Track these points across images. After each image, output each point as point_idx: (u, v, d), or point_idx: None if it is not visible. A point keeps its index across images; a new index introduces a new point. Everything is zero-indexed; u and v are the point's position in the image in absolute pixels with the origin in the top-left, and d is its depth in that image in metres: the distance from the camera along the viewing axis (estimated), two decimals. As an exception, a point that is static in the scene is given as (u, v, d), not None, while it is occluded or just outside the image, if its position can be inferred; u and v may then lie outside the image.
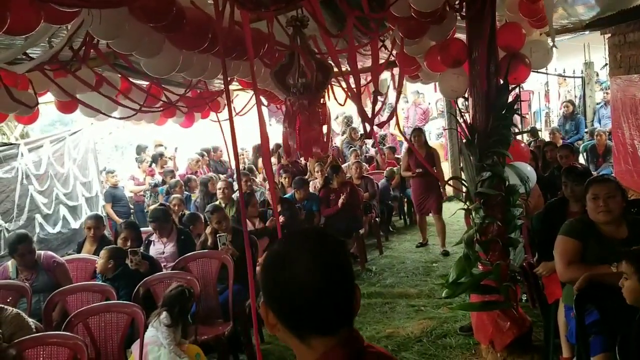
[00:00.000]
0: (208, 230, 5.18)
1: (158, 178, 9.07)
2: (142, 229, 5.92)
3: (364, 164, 9.49)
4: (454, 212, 5.20)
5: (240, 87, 7.48)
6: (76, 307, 4.07)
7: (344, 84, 5.67)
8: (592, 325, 3.07)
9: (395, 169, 9.54)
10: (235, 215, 6.28)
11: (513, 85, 4.26)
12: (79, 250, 5.71)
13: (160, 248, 5.36)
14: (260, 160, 10.29)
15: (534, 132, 10.21)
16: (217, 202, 6.48)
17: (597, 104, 11.47)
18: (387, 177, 9.18)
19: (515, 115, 4.30)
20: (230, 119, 2.72)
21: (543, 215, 4.18)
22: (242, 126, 7.82)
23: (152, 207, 7.36)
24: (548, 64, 4.90)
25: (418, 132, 7.65)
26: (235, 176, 8.24)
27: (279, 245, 1.24)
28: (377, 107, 4.33)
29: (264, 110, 8.89)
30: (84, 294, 4.28)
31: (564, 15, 5.54)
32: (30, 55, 4.02)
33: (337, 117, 12.51)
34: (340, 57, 4.93)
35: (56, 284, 4.56)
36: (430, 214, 7.64)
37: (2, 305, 3.55)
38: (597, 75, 12.35)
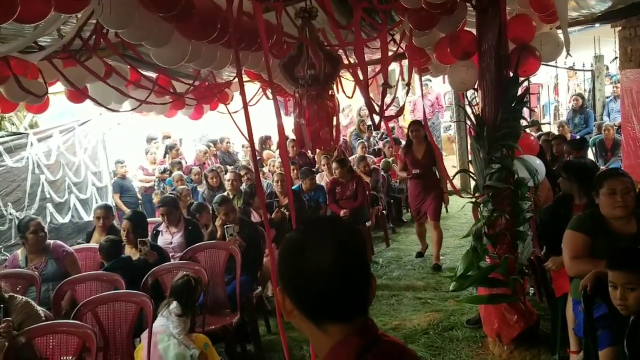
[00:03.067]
0: (217, 222, 5.18)
1: (166, 165, 9.10)
2: (150, 219, 5.94)
3: (370, 156, 9.47)
4: (462, 205, 5.19)
5: (247, 78, 7.47)
6: (85, 296, 4.10)
7: (349, 78, 5.68)
8: (600, 319, 3.06)
9: (391, 159, 9.51)
10: (242, 206, 6.29)
11: (523, 78, 4.23)
12: (88, 240, 5.75)
13: (168, 238, 5.39)
14: (265, 153, 10.31)
15: (534, 124, 10.13)
16: (224, 194, 6.49)
17: (607, 97, 11.41)
18: (384, 169, 9.11)
19: (524, 108, 4.29)
20: (245, 108, 2.73)
21: (552, 209, 4.17)
22: (240, 119, 7.83)
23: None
24: (558, 57, 4.85)
25: (416, 125, 6.63)
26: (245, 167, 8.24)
27: (297, 232, 1.25)
28: (389, 99, 4.32)
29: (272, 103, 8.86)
30: (93, 283, 4.31)
31: (574, 7, 5.48)
32: (39, 44, 4.04)
33: (343, 110, 12.49)
34: (348, 50, 4.92)
35: (65, 273, 4.59)
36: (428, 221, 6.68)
37: (12, 294, 3.58)
38: (607, 68, 12.26)
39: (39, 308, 3.62)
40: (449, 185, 6.49)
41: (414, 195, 6.72)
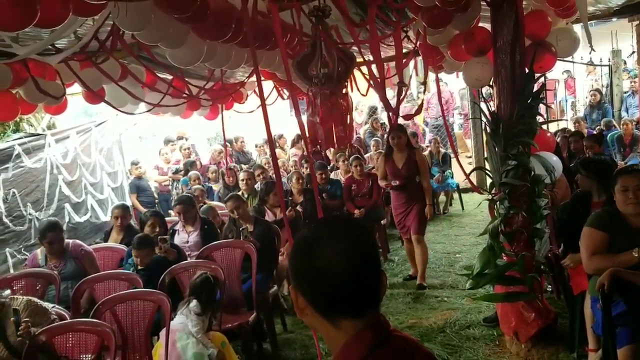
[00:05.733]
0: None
1: (179, 166, 9.18)
2: (167, 218, 5.99)
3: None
4: (478, 202, 5.16)
5: (261, 77, 7.50)
6: (103, 294, 4.13)
7: (366, 74, 5.68)
8: (619, 316, 3.04)
9: None
10: (256, 206, 6.31)
11: (539, 74, 4.20)
12: (106, 239, 5.81)
13: (184, 237, 5.42)
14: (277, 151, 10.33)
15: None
16: (238, 192, 6.53)
17: (625, 92, 11.27)
18: None
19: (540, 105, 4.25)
20: (263, 107, 2.75)
21: (569, 206, 4.14)
22: (253, 118, 7.89)
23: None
24: (575, 53, 4.80)
25: (397, 131, 5.86)
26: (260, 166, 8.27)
27: (309, 230, 1.27)
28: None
29: (285, 101, 8.90)
30: (111, 281, 4.34)
31: (591, 2, 5.43)
32: (56, 46, 4.09)
33: (356, 108, 12.47)
34: (363, 47, 4.92)
35: (84, 271, 4.65)
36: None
37: (13, 296, 3.59)
38: (625, 63, 12.12)
39: (44, 303, 3.62)
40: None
41: (396, 208, 6.06)
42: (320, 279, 1.19)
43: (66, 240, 4.79)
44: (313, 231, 1.26)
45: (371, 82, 5.36)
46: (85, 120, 8.25)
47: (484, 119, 4.27)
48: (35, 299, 3.62)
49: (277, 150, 10.45)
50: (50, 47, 3.93)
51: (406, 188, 5.88)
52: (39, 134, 6.91)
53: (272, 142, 2.77)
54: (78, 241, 5.03)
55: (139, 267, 4.49)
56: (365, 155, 9.28)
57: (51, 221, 4.87)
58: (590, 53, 4.40)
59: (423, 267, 5.96)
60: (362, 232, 1.25)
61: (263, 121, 2.95)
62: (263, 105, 2.85)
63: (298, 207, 6.46)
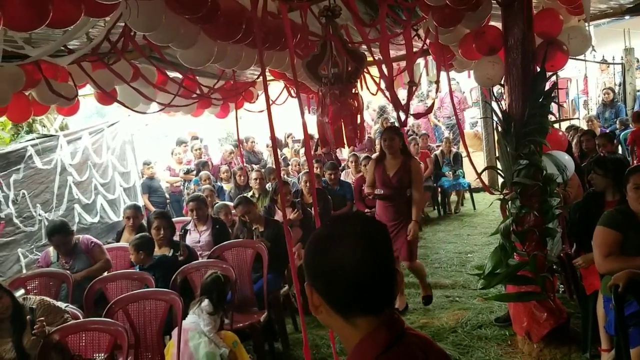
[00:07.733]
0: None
1: (191, 166, 9.23)
2: (178, 218, 6.01)
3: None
4: (490, 202, 5.13)
5: (272, 77, 7.53)
6: (116, 294, 4.17)
7: (374, 75, 5.66)
8: (632, 316, 3.02)
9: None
10: (266, 206, 6.32)
11: (550, 73, 4.17)
12: (118, 239, 5.85)
13: (196, 237, 5.45)
14: (285, 150, 10.37)
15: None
16: (247, 193, 6.54)
17: (638, 91, 11.17)
18: None
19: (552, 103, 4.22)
20: (268, 108, 2.76)
21: (581, 206, 4.12)
22: (264, 118, 7.91)
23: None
24: (586, 51, 4.77)
25: (390, 133, 5.13)
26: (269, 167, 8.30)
27: (324, 228, 1.27)
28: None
29: (295, 100, 8.94)
30: (124, 281, 4.37)
31: (603, -1, 5.40)
32: (69, 47, 4.13)
33: (367, 107, 12.45)
34: (373, 46, 4.92)
35: (94, 264, 4.75)
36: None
37: (26, 295, 3.63)
38: (638, 61, 12.00)
39: (57, 303, 3.67)
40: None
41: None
42: (335, 277, 1.19)
43: (75, 236, 4.86)
44: (328, 229, 1.26)
45: (379, 82, 5.36)
46: (97, 121, 8.30)
47: (495, 118, 4.26)
48: (48, 299, 3.66)
49: (285, 150, 10.48)
50: (62, 48, 3.97)
51: (395, 201, 5.07)
52: (51, 135, 6.96)
53: (275, 144, 2.78)
54: (87, 235, 5.09)
55: (144, 267, 4.51)
56: (373, 156, 9.27)
57: (56, 223, 4.88)
58: (591, 52, 4.36)
59: (424, 281, 5.40)
60: (378, 229, 1.24)
61: (274, 121, 2.96)
62: (268, 107, 2.85)
63: (309, 208, 6.46)
